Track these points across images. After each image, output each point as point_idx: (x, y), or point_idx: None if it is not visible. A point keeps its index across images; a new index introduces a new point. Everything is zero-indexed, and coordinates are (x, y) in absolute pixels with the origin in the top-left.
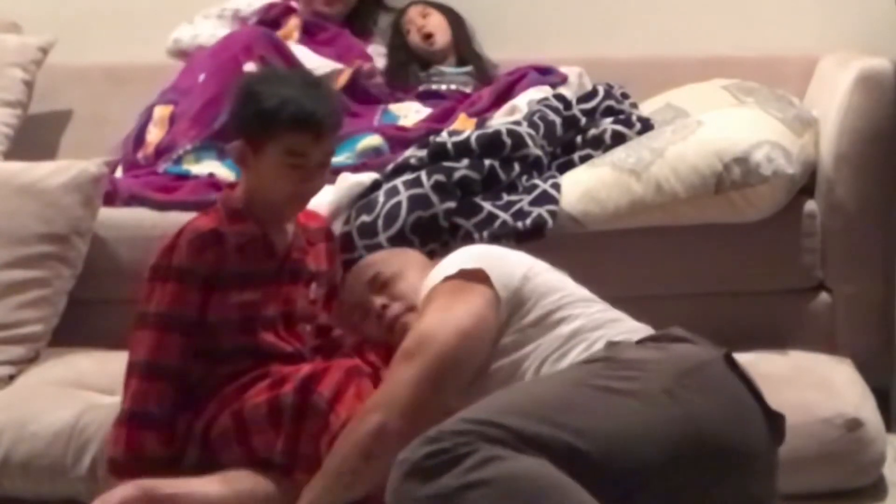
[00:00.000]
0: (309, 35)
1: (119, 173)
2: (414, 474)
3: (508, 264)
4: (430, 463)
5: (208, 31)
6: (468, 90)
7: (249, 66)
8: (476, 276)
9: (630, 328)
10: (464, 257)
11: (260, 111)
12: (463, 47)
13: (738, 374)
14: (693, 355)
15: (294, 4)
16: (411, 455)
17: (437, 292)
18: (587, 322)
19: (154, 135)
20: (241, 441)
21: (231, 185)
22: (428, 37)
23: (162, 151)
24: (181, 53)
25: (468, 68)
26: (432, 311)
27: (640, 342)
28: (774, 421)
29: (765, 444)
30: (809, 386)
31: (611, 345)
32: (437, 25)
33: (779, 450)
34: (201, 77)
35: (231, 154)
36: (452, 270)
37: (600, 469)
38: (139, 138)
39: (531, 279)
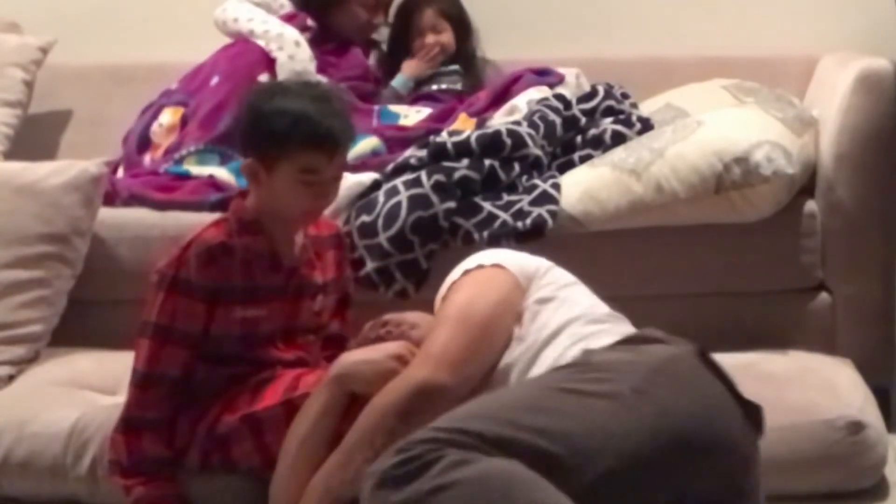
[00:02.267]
0: (317, 46)
1: (120, 172)
2: (384, 484)
3: (524, 259)
4: (399, 471)
5: (245, 15)
6: (458, 87)
7: (264, 77)
8: (496, 268)
9: (610, 331)
10: (479, 256)
11: (272, 131)
12: (463, 55)
13: (711, 368)
14: (663, 353)
15: (311, 23)
16: (380, 466)
17: (462, 282)
18: (578, 313)
19: (162, 137)
20: (255, 437)
21: (242, 194)
22: (432, 62)
23: (169, 153)
24: (226, 32)
25: (456, 66)
26: (465, 290)
27: (613, 346)
28: (752, 412)
29: (741, 437)
30: (812, 387)
31: (586, 352)
32: (446, 45)
33: (759, 442)
34: (214, 80)
35: (243, 172)
36: (471, 265)
37: (570, 469)
38: (143, 139)
39: (544, 274)
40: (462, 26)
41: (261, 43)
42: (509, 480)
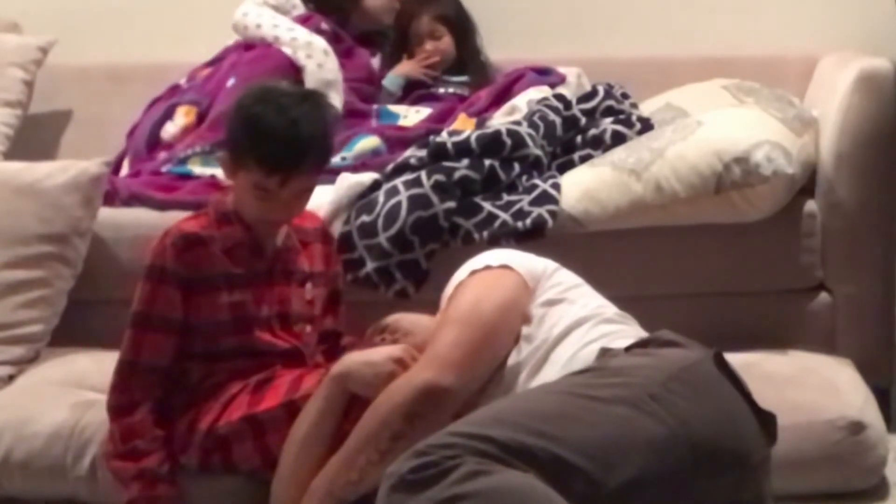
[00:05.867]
0: None
1: (125, 167)
2: (400, 487)
3: (531, 260)
4: (416, 476)
5: (269, 21)
6: (465, 94)
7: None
8: (503, 268)
9: (624, 333)
10: (487, 256)
11: (236, 138)
12: (468, 60)
13: (727, 374)
14: (681, 359)
15: (325, 26)
16: (398, 468)
17: (469, 283)
18: (588, 313)
19: (177, 138)
20: (256, 438)
21: (226, 189)
22: (429, 67)
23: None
24: (246, 37)
25: (464, 77)
26: (471, 291)
27: (629, 349)
28: (766, 421)
29: (756, 445)
30: (812, 387)
31: (601, 353)
32: (445, 51)
33: (771, 450)
34: (231, 81)
35: (219, 163)
36: (479, 266)
37: (590, 480)
38: (154, 137)
39: (551, 275)
40: (461, 29)
41: (287, 50)
42: (525, 495)
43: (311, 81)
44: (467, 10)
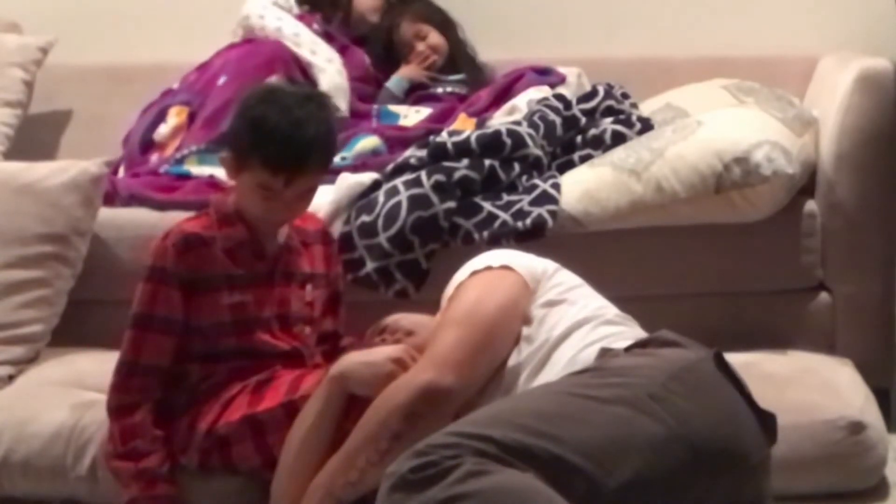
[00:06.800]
0: None
1: (121, 173)
2: (400, 487)
3: (531, 260)
4: (416, 476)
5: (273, 15)
6: (464, 93)
7: (273, 80)
8: (503, 269)
9: (625, 334)
10: (487, 257)
11: (240, 139)
12: (457, 54)
13: (727, 374)
14: (680, 359)
15: (316, 26)
16: (398, 468)
17: (470, 283)
18: (589, 315)
19: (168, 138)
20: (255, 438)
21: (227, 189)
22: (429, 67)
23: (174, 153)
24: (249, 31)
25: (461, 76)
26: (472, 291)
27: (629, 349)
28: (766, 421)
29: (756, 444)
30: (812, 387)
31: (601, 353)
32: (438, 46)
33: (771, 450)
34: (222, 80)
35: (221, 163)
36: (479, 266)
37: (590, 480)
38: (147, 140)
39: (552, 276)
40: (443, 22)
41: (303, 53)
42: (525, 495)
43: (325, 83)
44: (440, 6)
